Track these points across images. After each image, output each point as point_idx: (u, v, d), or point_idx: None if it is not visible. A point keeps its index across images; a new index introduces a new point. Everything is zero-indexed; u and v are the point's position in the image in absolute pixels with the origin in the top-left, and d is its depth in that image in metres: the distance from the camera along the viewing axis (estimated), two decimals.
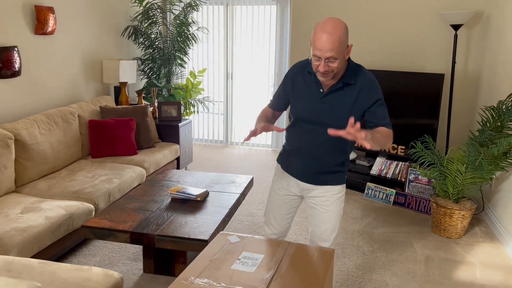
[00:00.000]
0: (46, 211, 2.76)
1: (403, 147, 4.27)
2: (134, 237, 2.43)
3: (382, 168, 4.34)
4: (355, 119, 1.93)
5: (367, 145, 1.66)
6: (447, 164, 3.41)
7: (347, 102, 1.96)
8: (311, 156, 2.09)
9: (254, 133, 1.96)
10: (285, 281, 1.71)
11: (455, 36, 4.34)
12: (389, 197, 4.15)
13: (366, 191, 4.31)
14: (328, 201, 2.15)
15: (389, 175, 4.28)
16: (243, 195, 3.12)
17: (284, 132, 2.34)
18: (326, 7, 5.07)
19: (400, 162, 4.25)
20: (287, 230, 2.35)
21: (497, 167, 3.23)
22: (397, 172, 4.25)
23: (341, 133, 1.69)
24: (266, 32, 5.86)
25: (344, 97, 1.96)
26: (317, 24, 1.84)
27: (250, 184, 3.37)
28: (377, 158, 4.44)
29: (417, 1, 4.72)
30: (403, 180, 4.18)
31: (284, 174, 2.23)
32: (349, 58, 1.96)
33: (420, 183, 4.05)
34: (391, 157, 4.37)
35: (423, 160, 3.59)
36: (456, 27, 4.31)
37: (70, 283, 1.94)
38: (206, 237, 2.36)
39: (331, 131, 1.72)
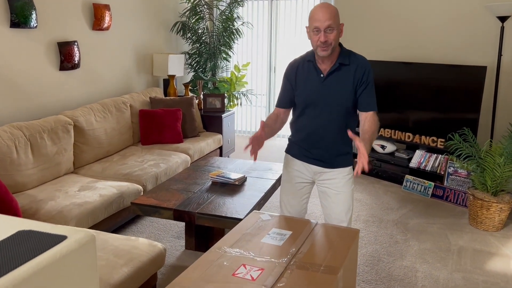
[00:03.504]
0: (100, 190, 3.06)
1: (443, 140, 4.26)
2: (177, 214, 2.66)
3: (421, 160, 4.35)
4: (352, 98, 2.17)
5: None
6: (485, 156, 3.40)
7: (345, 81, 2.16)
8: (321, 139, 2.24)
9: (254, 148, 2.06)
10: (309, 254, 1.86)
11: (502, 28, 4.26)
12: (427, 190, 4.16)
13: (404, 183, 4.34)
14: (340, 182, 2.28)
15: (428, 168, 4.28)
16: (278, 181, 3.28)
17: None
18: (367, 1, 5.10)
19: (440, 155, 4.25)
20: (304, 214, 2.49)
21: None
22: (436, 165, 4.25)
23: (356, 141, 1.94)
24: None
25: (343, 77, 2.16)
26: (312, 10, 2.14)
27: None
28: (417, 151, 4.44)
29: None
30: (442, 173, 4.17)
31: (294, 162, 2.37)
32: (341, 45, 2.20)
33: (459, 176, 4.03)
34: (430, 149, 4.37)
35: (460, 152, 3.59)
36: (503, 18, 4.23)
37: (120, 250, 2.19)
38: (241, 216, 2.54)
39: (350, 133, 1.99)
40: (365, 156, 1.89)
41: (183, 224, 3.49)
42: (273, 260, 1.80)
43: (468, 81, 4.09)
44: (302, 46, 6.11)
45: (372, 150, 4.80)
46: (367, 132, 2.11)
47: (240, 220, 2.53)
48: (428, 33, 4.86)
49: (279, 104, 2.35)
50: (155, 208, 2.70)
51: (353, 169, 2.31)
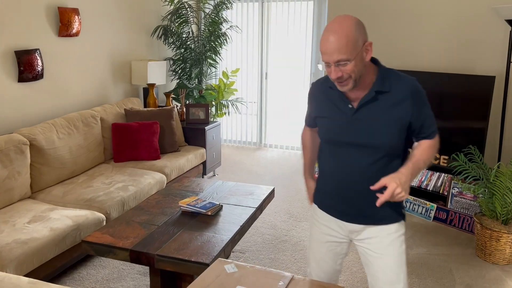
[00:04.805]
0: (53, 222, 2.67)
1: (446, 157, 3.86)
2: (134, 256, 2.27)
3: (423, 179, 3.95)
4: (397, 133, 1.62)
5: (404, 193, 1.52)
6: (495, 180, 3.00)
7: (386, 114, 1.61)
8: (355, 189, 1.70)
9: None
10: None
11: (511, 33, 3.85)
12: (429, 212, 3.76)
13: (403, 204, 3.93)
14: (383, 242, 1.72)
15: (430, 188, 3.88)
16: (260, 209, 2.89)
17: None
18: (364, 3, 4.71)
19: (443, 174, 3.84)
20: (338, 277, 1.98)
21: None
22: (439, 184, 3.84)
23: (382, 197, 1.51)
24: (302, 29, 5.57)
25: (381, 109, 1.61)
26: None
27: (271, 195, 3.13)
28: None
29: None
30: (446, 194, 3.77)
31: (323, 215, 1.85)
32: (378, 62, 1.65)
33: (464, 198, 3.63)
34: (432, 167, 3.97)
35: (466, 175, 3.19)
36: None
37: None
38: (207, 261, 2.15)
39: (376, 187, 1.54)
40: (389, 193, 1.48)
41: None
42: None
43: (474, 92, 3.69)
44: (294, 51, 5.71)
45: None
46: (414, 156, 1.63)
47: (205, 265, 2.14)
48: (430, 39, 4.46)
49: (309, 124, 1.93)
50: (109, 248, 2.31)
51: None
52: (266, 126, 6.02)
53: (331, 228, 1.83)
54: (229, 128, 6.18)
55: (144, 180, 3.44)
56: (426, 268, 2.98)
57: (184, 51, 5.12)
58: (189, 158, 4.14)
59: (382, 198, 1.49)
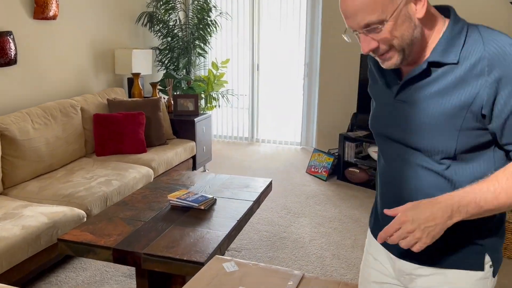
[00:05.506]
0: (26, 219, 2.37)
1: None
2: (117, 255, 1.99)
3: None
4: (458, 134, 0.98)
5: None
6: None
7: (440, 102, 0.99)
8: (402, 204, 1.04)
9: None
10: None
11: None
12: None
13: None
14: None
15: None
16: (257, 202, 2.63)
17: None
18: None
19: None
20: None
21: None
22: None
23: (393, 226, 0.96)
24: (295, 18, 5.32)
25: (434, 92, 1.00)
26: None
27: (268, 189, 2.88)
28: None
29: None
30: None
31: (376, 245, 1.23)
32: (452, 12, 1.03)
33: None
34: None
35: None
36: None
37: None
38: (202, 259, 1.89)
39: (388, 212, 1.00)
40: (390, 229, 0.96)
41: None
42: None
43: None
44: (287, 41, 5.47)
45: (369, 157, 4.16)
46: (484, 182, 0.95)
47: (200, 264, 1.87)
48: None
49: None
50: (88, 247, 2.03)
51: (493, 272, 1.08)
52: (258, 120, 5.76)
53: (379, 261, 1.22)
54: (219, 122, 5.90)
55: (129, 174, 3.16)
56: None
57: (171, 40, 4.83)
58: (177, 152, 3.86)
59: (380, 235, 0.98)
